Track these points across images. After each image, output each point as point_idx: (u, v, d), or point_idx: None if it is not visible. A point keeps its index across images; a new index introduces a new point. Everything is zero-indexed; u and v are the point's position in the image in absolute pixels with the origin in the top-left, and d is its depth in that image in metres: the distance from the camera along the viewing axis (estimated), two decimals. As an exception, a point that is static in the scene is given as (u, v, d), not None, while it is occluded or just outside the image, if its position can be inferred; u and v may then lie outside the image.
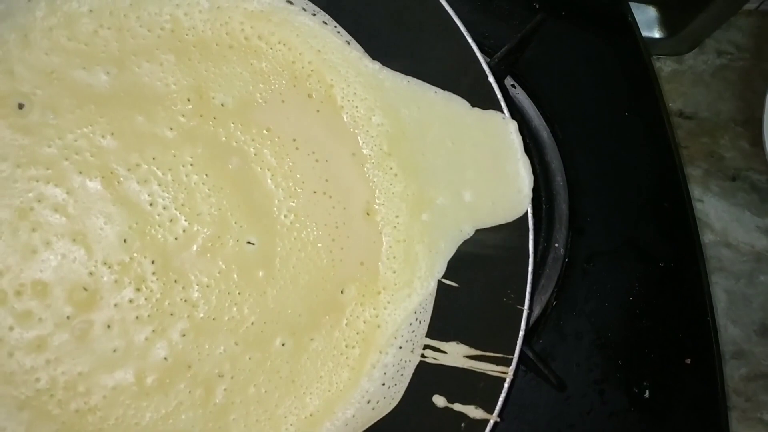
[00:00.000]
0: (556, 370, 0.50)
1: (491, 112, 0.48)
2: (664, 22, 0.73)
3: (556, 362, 0.54)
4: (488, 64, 0.46)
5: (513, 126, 0.47)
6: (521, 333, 0.47)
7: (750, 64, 0.79)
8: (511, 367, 0.46)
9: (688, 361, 0.60)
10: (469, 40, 0.46)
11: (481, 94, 0.48)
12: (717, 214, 0.75)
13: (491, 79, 0.47)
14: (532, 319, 0.56)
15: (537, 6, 0.62)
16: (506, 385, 0.46)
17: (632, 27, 0.64)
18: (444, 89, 0.49)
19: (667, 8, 0.72)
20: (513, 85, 0.59)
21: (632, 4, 0.65)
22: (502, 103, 0.47)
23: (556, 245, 0.59)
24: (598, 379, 0.59)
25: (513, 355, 0.47)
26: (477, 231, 0.51)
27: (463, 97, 0.49)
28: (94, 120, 0.46)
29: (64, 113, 0.46)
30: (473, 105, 0.49)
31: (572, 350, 0.59)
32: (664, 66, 0.77)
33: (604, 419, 0.59)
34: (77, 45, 0.46)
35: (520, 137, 0.47)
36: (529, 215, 0.48)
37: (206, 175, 0.49)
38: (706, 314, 0.61)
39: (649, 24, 0.72)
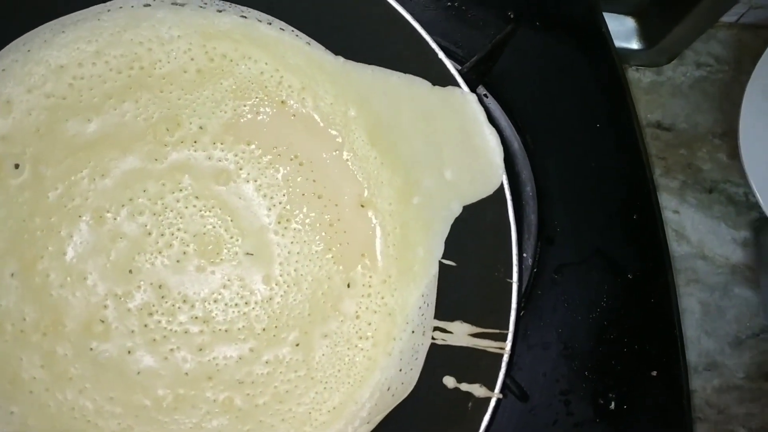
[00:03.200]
0: (522, 380, 0.50)
1: (450, 89, 0.47)
2: (643, 34, 0.72)
3: (522, 372, 0.54)
4: (435, 41, 0.45)
5: (472, 98, 0.46)
6: (513, 306, 0.46)
7: (729, 77, 0.78)
8: (507, 342, 0.46)
9: (655, 373, 0.59)
10: (412, 22, 0.45)
11: (437, 72, 0.47)
12: (693, 226, 0.75)
13: (441, 55, 0.46)
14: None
15: (512, 16, 0.61)
16: (504, 361, 0.46)
17: (606, 38, 0.62)
18: (404, 72, 0.49)
19: (645, 19, 0.71)
20: (485, 95, 0.57)
21: (610, 15, 0.65)
22: (458, 78, 0.46)
23: (525, 255, 0.58)
24: (564, 389, 0.58)
25: (508, 329, 0.46)
26: (465, 208, 0.50)
27: (422, 77, 0.48)
28: (84, 166, 0.50)
29: (56, 164, 0.50)
30: (434, 84, 0.48)
31: (539, 360, 0.58)
32: (643, 77, 0.76)
33: (569, 430, 0.58)
34: (56, 100, 0.49)
35: (481, 109, 0.46)
36: (505, 186, 0.47)
37: (196, 197, 0.52)
38: (673, 327, 0.59)
39: (627, 35, 0.72)
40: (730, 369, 0.73)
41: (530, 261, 0.59)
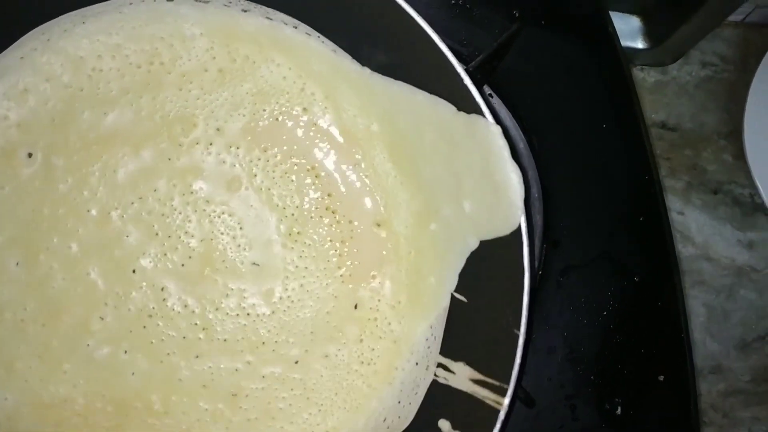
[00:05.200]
0: (527, 384, 0.48)
1: (474, 117, 0.43)
2: (648, 33, 0.70)
3: (527, 376, 0.51)
4: (465, 68, 0.41)
5: (496, 130, 0.42)
6: (517, 361, 0.43)
7: (735, 76, 0.77)
8: (506, 398, 0.43)
9: (662, 378, 0.57)
10: (438, 42, 0.42)
11: (461, 98, 0.43)
12: (698, 228, 0.73)
13: (467, 81, 0.42)
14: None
15: (517, 15, 0.58)
16: (500, 419, 0.43)
17: (612, 37, 0.59)
18: (430, 92, 0.45)
19: (650, 18, 0.69)
20: (490, 95, 0.54)
21: (615, 14, 0.62)
22: (483, 108, 0.42)
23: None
24: (569, 394, 0.56)
25: (509, 384, 0.43)
26: (483, 243, 0.47)
27: (448, 101, 0.44)
28: (96, 159, 0.49)
29: (68, 156, 0.49)
30: (459, 109, 0.44)
31: (544, 365, 0.57)
32: (647, 77, 0.74)
33: (575, 436, 0.55)
34: (74, 91, 0.48)
35: (506, 143, 0.42)
36: (523, 229, 0.43)
37: (207, 201, 0.50)
38: (681, 330, 0.57)
39: (632, 34, 0.70)
40: (735, 372, 0.72)
41: (535, 263, 0.57)
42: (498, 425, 0.42)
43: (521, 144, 0.56)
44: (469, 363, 0.46)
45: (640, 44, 0.70)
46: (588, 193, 0.59)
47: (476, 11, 0.59)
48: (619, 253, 0.58)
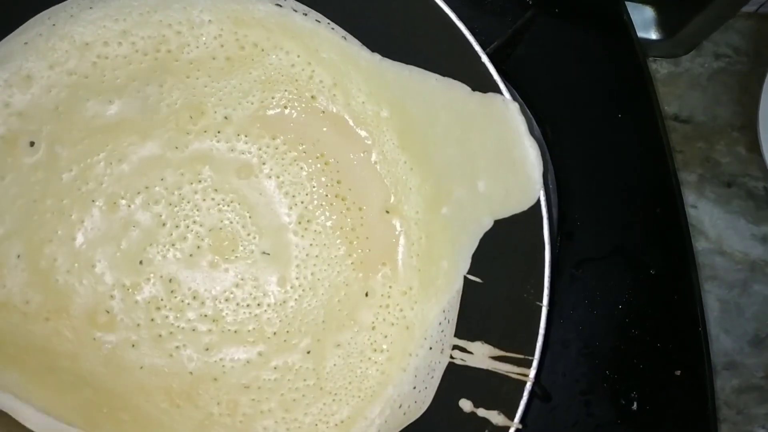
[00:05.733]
0: (540, 379, 0.47)
1: (491, 95, 0.44)
2: (661, 23, 0.69)
3: (541, 371, 0.51)
4: (480, 44, 0.43)
5: (514, 107, 0.43)
6: (541, 331, 0.43)
7: (748, 68, 0.76)
8: (531, 369, 0.43)
9: (678, 372, 0.56)
10: (456, 21, 0.43)
11: (479, 77, 0.44)
12: (711, 221, 0.73)
13: (485, 59, 0.43)
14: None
15: (530, 2, 0.58)
16: (527, 389, 0.43)
17: (628, 26, 0.59)
18: (443, 75, 0.46)
19: (664, 9, 0.68)
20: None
21: (628, 4, 0.61)
22: (501, 84, 0.43)
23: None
24: (584, 389, 0.56)
25: (533, 355, 0.43)
26: (497, 222, 0.47)
27: (462, 81, 0.45)
28: (101, 149, 0.48)
29: (72, 145, 0.48)
30: (474, 89, 0.45)
31: (558, 359, 0.56)
32: (660, 68, 0.74)
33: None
34: (78, 78, 0.47)
35: (523, 119, 0.43)
36: (542, 203, 0.44)
37: (215, 190, 0.50)
38: (697, 325, 0.56)
39: (645, 25, 0.69)
40: (749, 369, 0.71)
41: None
42: (525, 396, 0.43)
43: (535, 134, 0.56)
44: (488, 341, 0.46)
45: (653, 35, 0.70)
46: (603, 185, 0.59)
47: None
48: (635, 246, 0.58)
